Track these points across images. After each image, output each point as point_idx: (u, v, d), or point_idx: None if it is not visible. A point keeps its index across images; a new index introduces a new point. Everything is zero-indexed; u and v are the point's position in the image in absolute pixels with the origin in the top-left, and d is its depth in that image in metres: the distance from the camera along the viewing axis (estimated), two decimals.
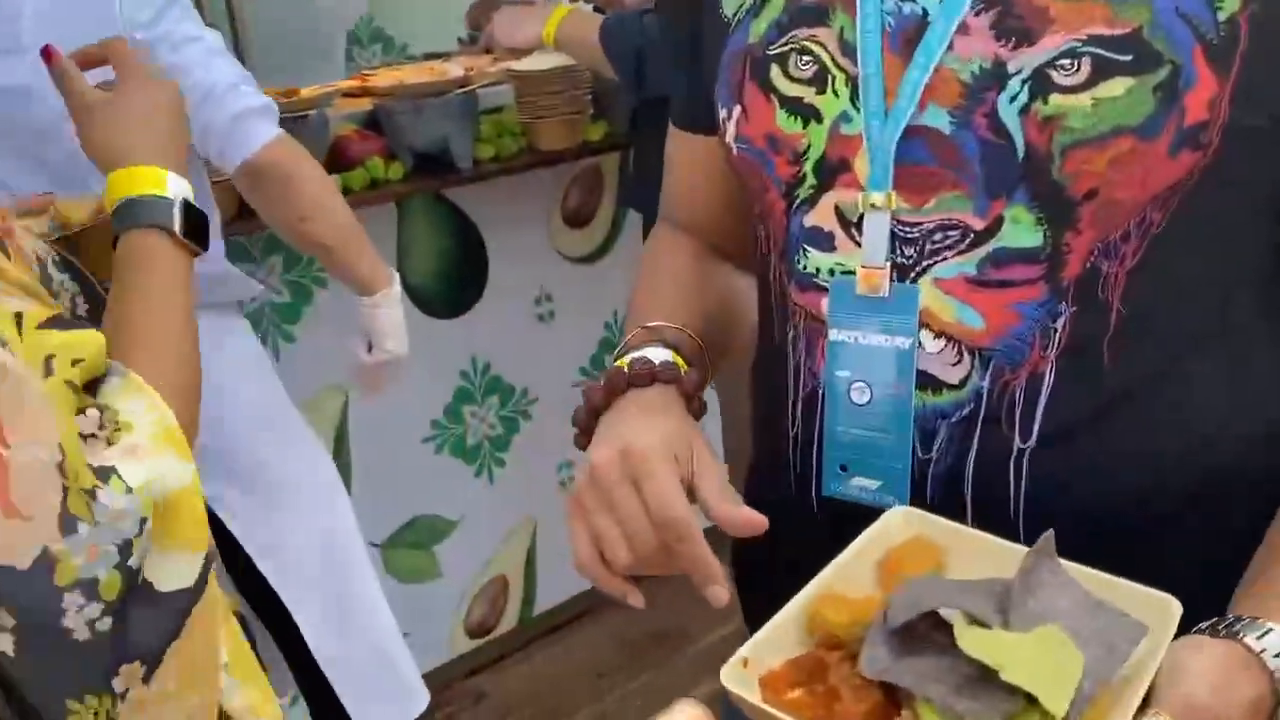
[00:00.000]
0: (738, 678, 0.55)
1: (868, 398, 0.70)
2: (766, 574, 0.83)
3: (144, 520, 0.71)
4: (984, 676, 0.52)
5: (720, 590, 0.67)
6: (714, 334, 0.83)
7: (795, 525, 0.74)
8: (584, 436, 0.75)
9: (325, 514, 1.67)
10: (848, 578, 0.61)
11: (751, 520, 0.66)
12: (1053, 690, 0.51)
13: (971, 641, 0.52)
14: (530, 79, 2.07)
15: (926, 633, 0.55)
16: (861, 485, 0.71)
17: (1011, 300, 0.65)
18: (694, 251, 0.89)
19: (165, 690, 0.73)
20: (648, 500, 0.66)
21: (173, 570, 0.74)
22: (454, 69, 2.23)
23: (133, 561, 0.70)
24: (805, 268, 0.72)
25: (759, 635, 0.57)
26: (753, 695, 0.54)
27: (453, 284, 2.24)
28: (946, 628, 0.54)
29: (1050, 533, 0.58)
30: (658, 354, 0.75)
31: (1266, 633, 0.57)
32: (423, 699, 1.73)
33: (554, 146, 2.14)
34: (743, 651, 0.56)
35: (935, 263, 0.67)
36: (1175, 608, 0.57)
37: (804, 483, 0.75)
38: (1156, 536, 0.67)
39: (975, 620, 0.54)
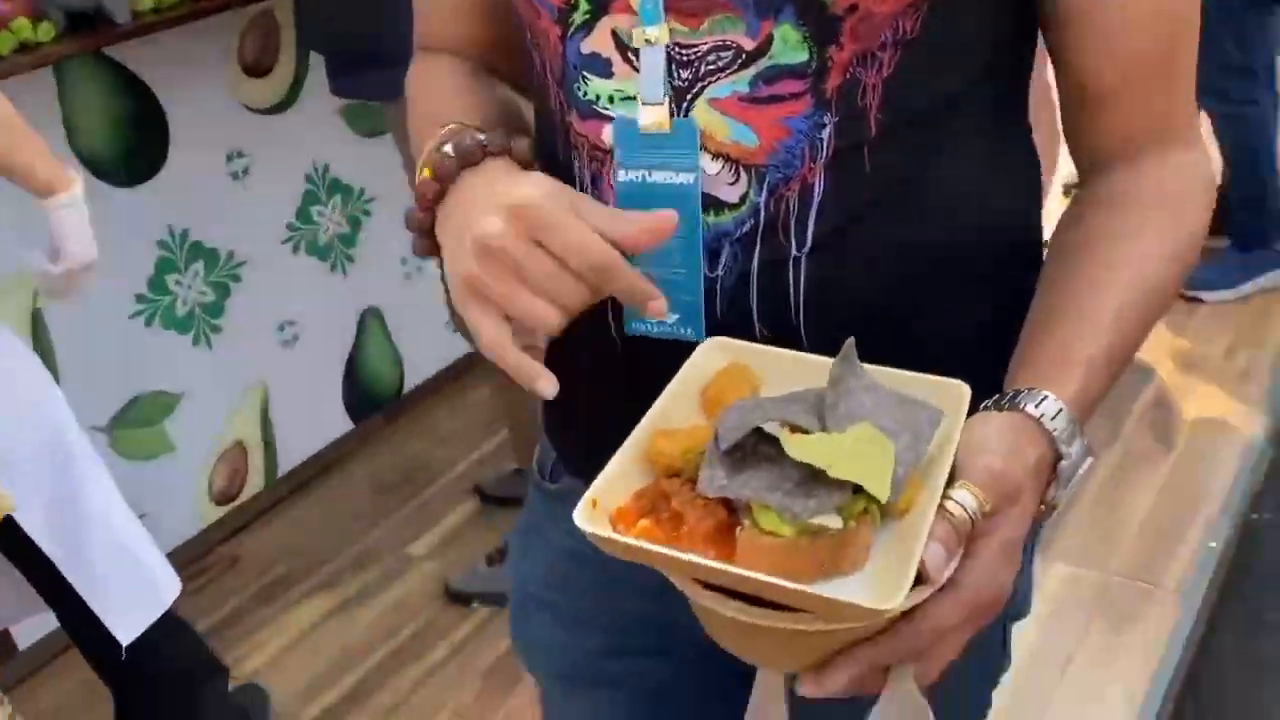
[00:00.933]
0: (590, 517, 0.55)
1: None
2: (573, 413, 0.81)
3: None
4: (813, 477, 0.54)
5: (660, 303, 0.64)
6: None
7: (596, 361, 0.73)
8: (425, 238, 0.70)
9: (36, 408, 1.60)
10: (673, 411, 0.61)
11: (659, 222, 0.63)
12: (874, 478, 0.53)
13: (798, 448, 0.54)
14: None
15: (755, 448, 0.56)
16: (660, 320, 0.70)
17: (781, 115, 0.66)
18: (465, 69, 0.83)
19: None
20: (563, 253, 0.61)
21: None
22: None
23: None
24: (585, 95, 0.70)
25: (603, 475, 0.58)
26: (606, 531, 0.55)
27: (132, 149, 2.11)
28: (772, 441, 0.56)
29: (851, 340, 0.60)
30: (473, 135, 0.69)
31: (1043, 400, 0.60)
32: (172, 589, 1.69)
33: None
34: (590, 493, 0.56)
35: (710, 83, 0.66)
36: (965, 391, 0.60)
37: (600, 320, 0.73)
38: (926, 323, 0.70)
39: (798, 429, 0.56)
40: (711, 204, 0.68)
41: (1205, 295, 2.96)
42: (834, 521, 0.53)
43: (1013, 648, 0.94)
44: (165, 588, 1.68)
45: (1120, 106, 0.69)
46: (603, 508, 0.57)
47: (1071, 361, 0.63)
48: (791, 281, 0.69)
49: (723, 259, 0.69)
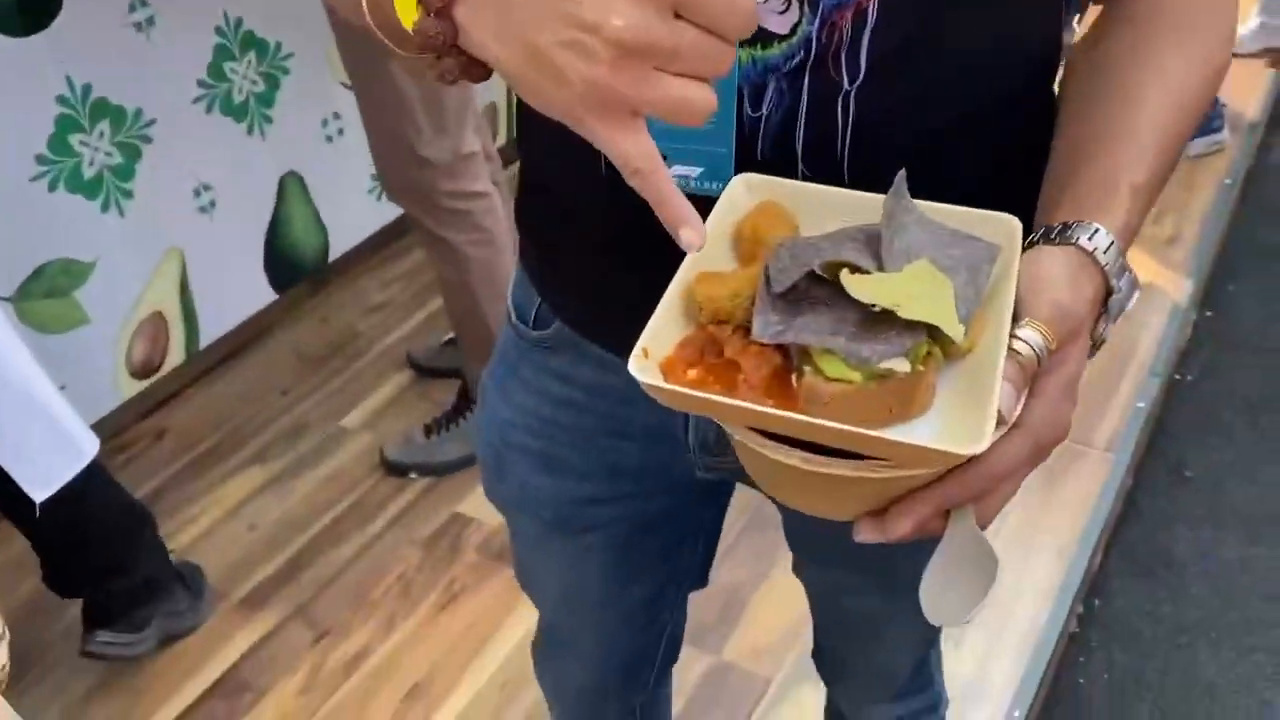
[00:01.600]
0: (642, 367, 0.53)
1: None
2: (574, 247, 0.78)
3: None
4: (875, 320, 0.52)
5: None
6: None
7: (603, 198, 0.67)
8: (444, 46, 0.51)
9: None
10: (708, 256, 0.58)
11: None
12: (945, 318, 0.51)
13: (861, 288, 0.52)
14: None
15: (807, 290, 0.54)
16: (681, 174, 0.66)
17: None
18: None
19: None
20: (712, 15, 0.48)
21: None
22: None
23: None
24: None
25: (651, 323, 0.55)
26: (667, 384, 0.53)
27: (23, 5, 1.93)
28: (825, 283, 0.54)
29: (903, 173, 0.57)
30: None
31: (1094, 232, 0.59)
32: (90, 446, 1.65)
33: None
34: (641, 342, 0.54)
35: None
36: (1017, 225, 0.59)
37: (610, 173, 0.62)
38: (972, 155, 0.68)
39: (855, 269, 0.53)
40: (758, 37, 0.62)
41: None
42: (902, 365, 0.51)
43: None
44: (84, 446, 1.64)
45: None
46: (652, 357, 0.54)
47: (1117, 190, 0.61)
48: (840, 117, 0.65)
49: (768, 96, 0.65)
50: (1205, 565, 1.99)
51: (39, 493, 1.58)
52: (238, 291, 2.50)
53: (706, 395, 0.52)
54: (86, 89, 2.08)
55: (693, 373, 0.54)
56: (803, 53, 0.63)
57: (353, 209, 2.68)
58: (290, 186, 2.54)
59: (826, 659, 1.15)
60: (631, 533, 0.94)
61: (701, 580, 1.07)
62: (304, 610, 1.91)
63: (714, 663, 1.76)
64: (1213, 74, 0.67)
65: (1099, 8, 0.72)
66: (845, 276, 0.52)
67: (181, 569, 1.90)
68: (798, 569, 1.03)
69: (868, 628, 1.03)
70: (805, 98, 0.65)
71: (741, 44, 0.60)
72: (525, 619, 1.82)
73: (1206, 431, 2.27)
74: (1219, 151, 2.99)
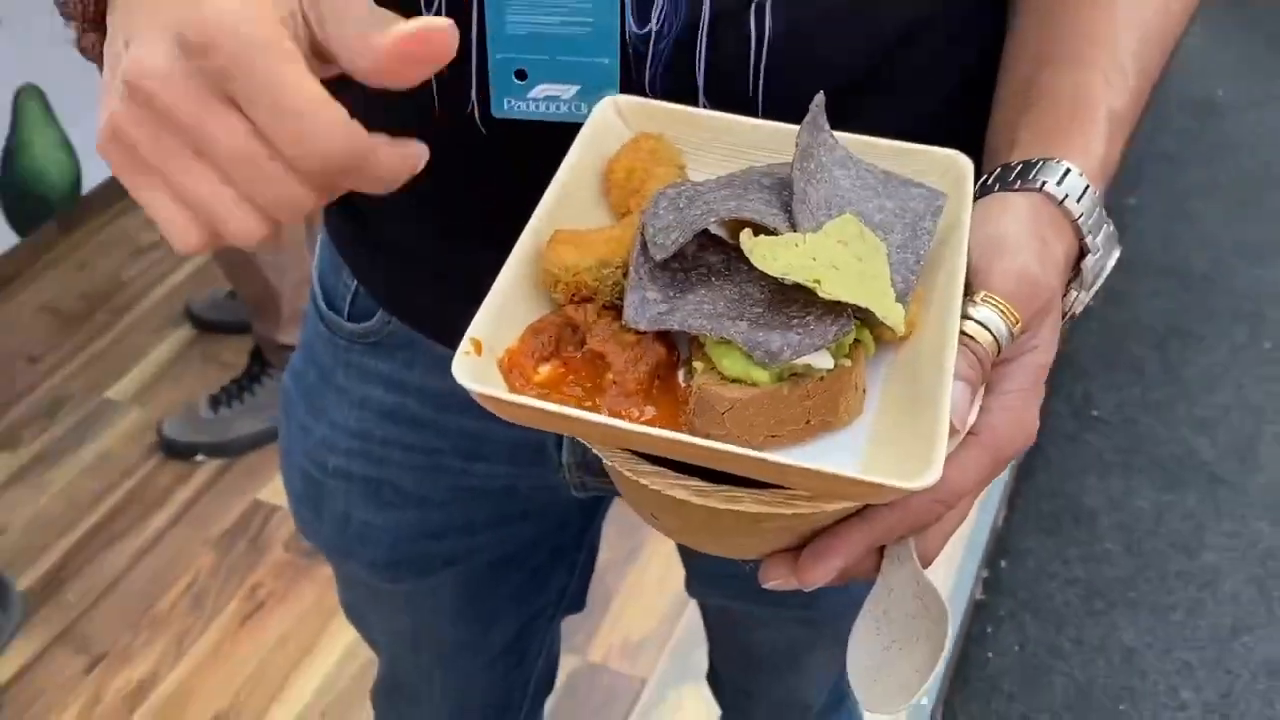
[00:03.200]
0: (471, 368, 0.47)
1: None
2: (409, 220, 0.74)
3: None
4: (787, 298, 0.48)
5: (410, 152, 0.48)
6: None
7: (451, 149, 0.60)
8: (90, 27, 0.53)
9: None
10: (569, 206, 0.54)
11: (431, 32, 0.45)
12: (878, 297, 0.47)
13: (769, 255, 0.47)
14: None
15: (698, 257, 0.51)
16: (550, 95, 0.63)
17: None
18: None
19: None
20: (264, 122, 0.43)
21: None
22: None
23: None
24: None
25: (486, 304, 0.49)
26: (498, 387, 0.48)
27: None
28: (721, 246, 0.51)
29: (820, 97, 0.53)
30: None
31: (1065, 174, 0.56)
32: None
33: None
34: (471, 332, 0.48)
35: None
36: (967, 165, 0.56)
37: (457, 98, 0.64)
38: (907, 72, 0.65)
39: (759, 229, 0.49)
40: None
41: None
42: (823, 361, 0.47)
43: None
44: None
45: None
46: (489, 350, 0.49)
47: (1093, 116, 0.58)
48: (754, 30, 0.61)
49: (659, 7, 0.60)
50: (1118, 517, 2.05)
51: None
52: None
53: (559, 409, 0.46)
54: None
55: (545, 370, 0.50)
56: None
57: None
58: (28, 103, 2.42)
59: (726, 689, 1.18)
60: (488, 568, 0.93)
61: (578, 604, 1.07)
62: (72, 631, 1.82)
63: (579, 665, 1.74)
64: None
65: None
66: (746, 240, 0.48)
67: None
68: (692, 590, 1.03)
69: (783, 659, 1.05)
70: (707, 6, 0.60)
71: None
72: (349, 629, 1.75)
73: (1114, 366, 2.35)
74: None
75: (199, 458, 2.07)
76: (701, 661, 1.19)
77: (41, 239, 2.50)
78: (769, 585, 0.54)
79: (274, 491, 2.00)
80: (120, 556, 1.91)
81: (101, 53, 0.50)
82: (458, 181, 0.66)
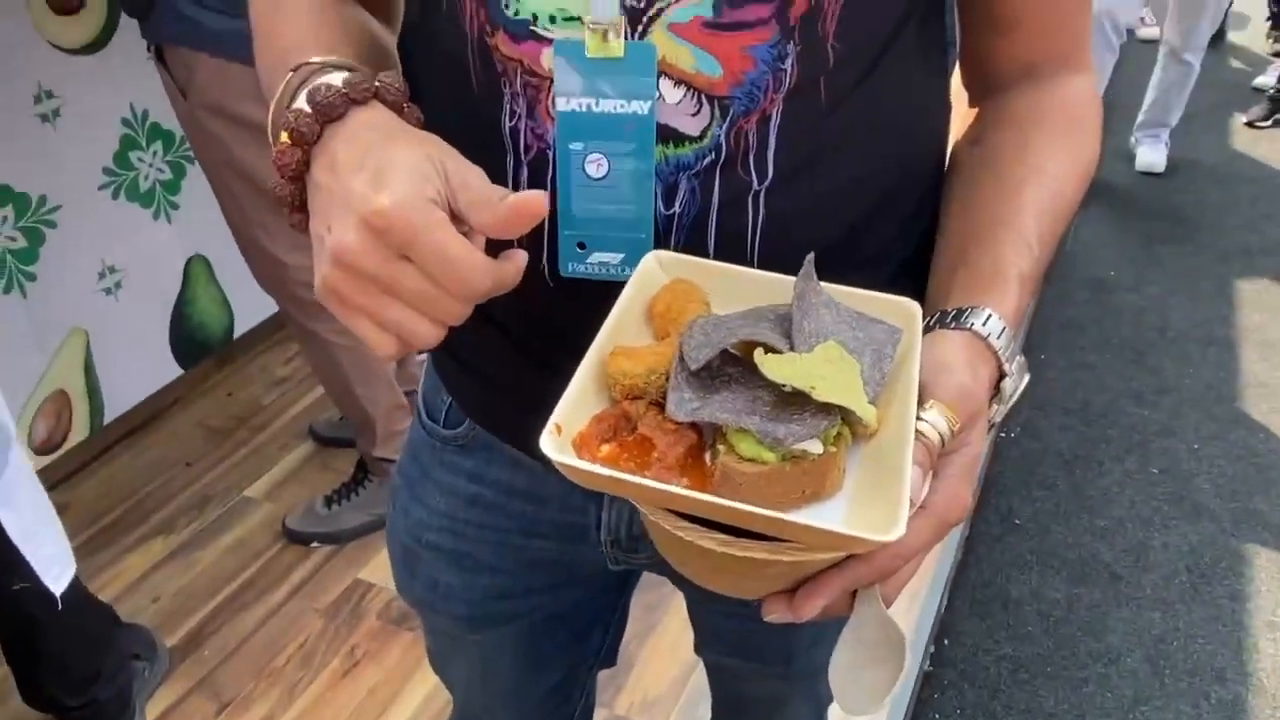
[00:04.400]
0: (554, 445, 0.48)
1: (605, 170, 0.61)
2: (492, 353, 0.73)
3: None
4: (788, 400, 0.49)
5: (515, 264, 0.53)
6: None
7: (524, 304, 0.61)
8: (297, 213, 0.56)
9: None
10: (623, 331, 0.55)
11: (531, 204, 0.51)
12: (856, 401, 0.49)
13: (775, 368, 0.49)
14: None
15: (721, 368, 0.52)
16: (602, 261, 0.63)
17: (746, 44, 0.59)
18: None
19: None
20: (443, 276, 0.49)
21: None
22: None
23: None
24: (517, 13, 0.59)
25: (564, 399, 0.50)
26: (577, 460, 0.48)
27: None
28: (738, 361, 0.51)
29: (811, 256, 0.55)
30: (335, 77, 0.55)
31: (988, 318, 0.56)
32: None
33: None
34: (554, 418, 0.49)
35: (671, 5, 0.57)
36: (917, 309, 0.57)
37: (534, 256, 0.63)
38: (873, 248, 0.66)
39: (768, 348, 0.50)
40: (670, 136, 0.59)
41: None
42: (816, 447, 0.49)
43: None
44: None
45: (1026, 31, 0.67)
46: (565, 433, 0.50)
47: (1007, 278, 0.59)
48: (750, 215, 0.62)
49: (680, 195, 0.61)
50: (1038, 605, 2.01)
51: (58, 585, 1.44)
52: (143, 369, 2.36)
53: (620, 475, 0.47)
54: None
55: (606, 449, 0.50)
56: (713, 154, 0.60)
57: (257, 289, 2.54)
58: (196, 268, 2.43)
59: None
60: (543, 624, 0.91)
61: (611, 660, 1.03)
62: (207, 681, 1.77)
63: (608, 717, 1.68)
64: (1084, 174, 0.66)
65: (974, 110, 0.71)
66: (759, 356, 0.49)
67: (133, 640, 1.74)
68: (700, 651, 1.00)
69: (766, 709, 1.02)
70: (716, 197, 0.61)
71: (658, 141, 0.59)
72: (426, 681, 1.73)
73: (1031, 485, 2.31)
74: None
75: (314, 545, 2.04)
76: (706, 714, 1.16)
77: (200, 372, 2.49)
78: (770, 618, 0.53)
79: (370, 572, 1.97)
80: (248, 621, 1.87)
81: (306, 228, 0.55)
82: (530, 322, 0.66)
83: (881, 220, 0.66)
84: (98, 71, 2.09)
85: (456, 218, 0.50)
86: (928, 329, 0.57)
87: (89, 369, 2.21)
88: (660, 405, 0.51)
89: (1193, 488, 2.28)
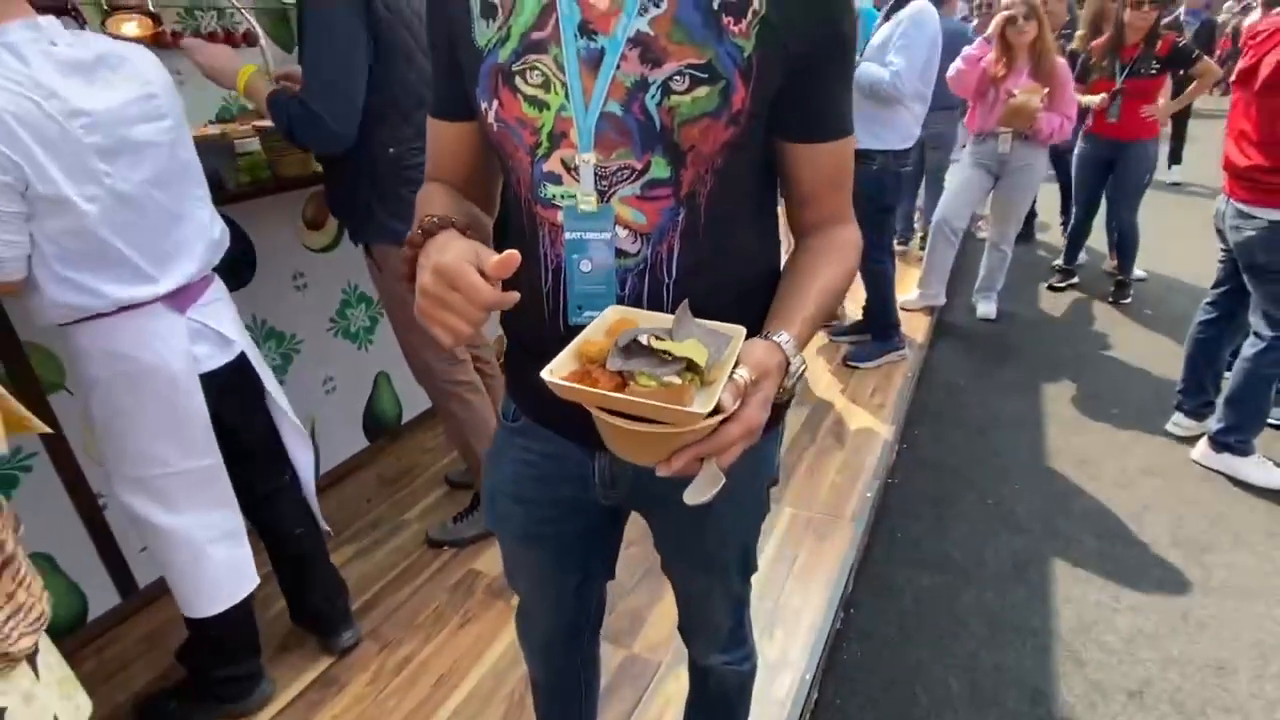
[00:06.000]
0: (549, 377, 0.56)
1: (589, 268, 0.67)
2: (533, 375, 0.70)
3: None
4: (665, 360, 0.55)
5: (510, 296, 0.61)
6: (470, 227, 0.73)
7: (548, 342, 0.68)
8: (408, 280, 0.66)
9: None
10: (592, 336, 0.61)
11: (507, 261, 0.59)
12: (700, 359, 0.56)
13: (658, 343, 0.56)
14: (270, 132, 1.88)
15: (634, 348, 0.57)
16: (589, 315, 0.68)
17: (658, 207, 0.65)
18: (451, 193, 0.80)
19: None
20: (467, 294, 0.59)
21: None
22: (213, 129, 1.98)
23: None
24: (547, 196, 0.68)
25: (556, 359, 0.58)
26: (560, 382, 0.56)
27: (231, 271, 2.01)
28: (642, 346, 0.57)
29: (685, 301, 0.63)
30: (433, 219, 0.68)
31: (780, 334, 0.63)
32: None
33: (290, 174, 1.93)
34: (550, 366, 0.57)
35: (619, 187, 0.65)
36: (742, 330, 0.63)
37: (554, 317, 0.71)
38: (730, 311, 0.67)
39: (659, 339, 0.57)
40: (621, 254, 0.68)
41: (859, 364, 3.08)
42: (676, 380, 0.56)
43: (760, 559, 0.96)
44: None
45: (815, 205, 0.73)
46: (556, 374, 0.57)
47: (796, 318, 0.67)
48: (666, 296, 0.70)
49: (628, 284, 0.69)
50: (911, 590, 1.97)
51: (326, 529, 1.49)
52: (345, 440, 2.44)
53: (581, 388, 0.55)
54: (264, 322, 2.11)
55: (572, 384, 0.57)
56: (644, 264, 0.68)
57: (417, 393, 2.62)
58: (381, 379, 2.52)
59: (683, 626, 1.09)
60: (567, 541, 0.91)
61: (610, 574, 1.01)
62: (375, 631, 1.80)
63: (626, 654, 1.69)
64: (844, 275, 0.72)
65: (794, 241, 0.77)
66: (651, 340, 0.58)
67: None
68: (663, 566, 0.98)
69: (701, 600, 0.99)
70: (647, 285, 0.69)
71: (615, 255, 0.67)
72: (508, 635, 1.75)
73: (909, 515, 2.28)
74: (902, 360, 3.10)
75: (446, 548, 2.05)
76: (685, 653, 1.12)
77: (379, 444, 2.54)
78: (659, 473, 0.58)
79: (480, 564, 1.98)
80: (402, 595, 1.89)
81: (412, 288, 0.64)
82: (552, 352, 0.66)
83: (742, 297, 0.72)
84: (330, 262, 2.28)
85: (482, 274, 0.60)
86: (749, 338, 0.64)
87: (314, 440, 2.31)
88: (604, 366, 0.58)
89: (1014, 513, 2.27)
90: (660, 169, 0.65)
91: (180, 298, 1.25)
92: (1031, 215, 4.69)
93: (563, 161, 0.67)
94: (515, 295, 0.61)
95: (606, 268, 0.67)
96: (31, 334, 1.58)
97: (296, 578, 1.59)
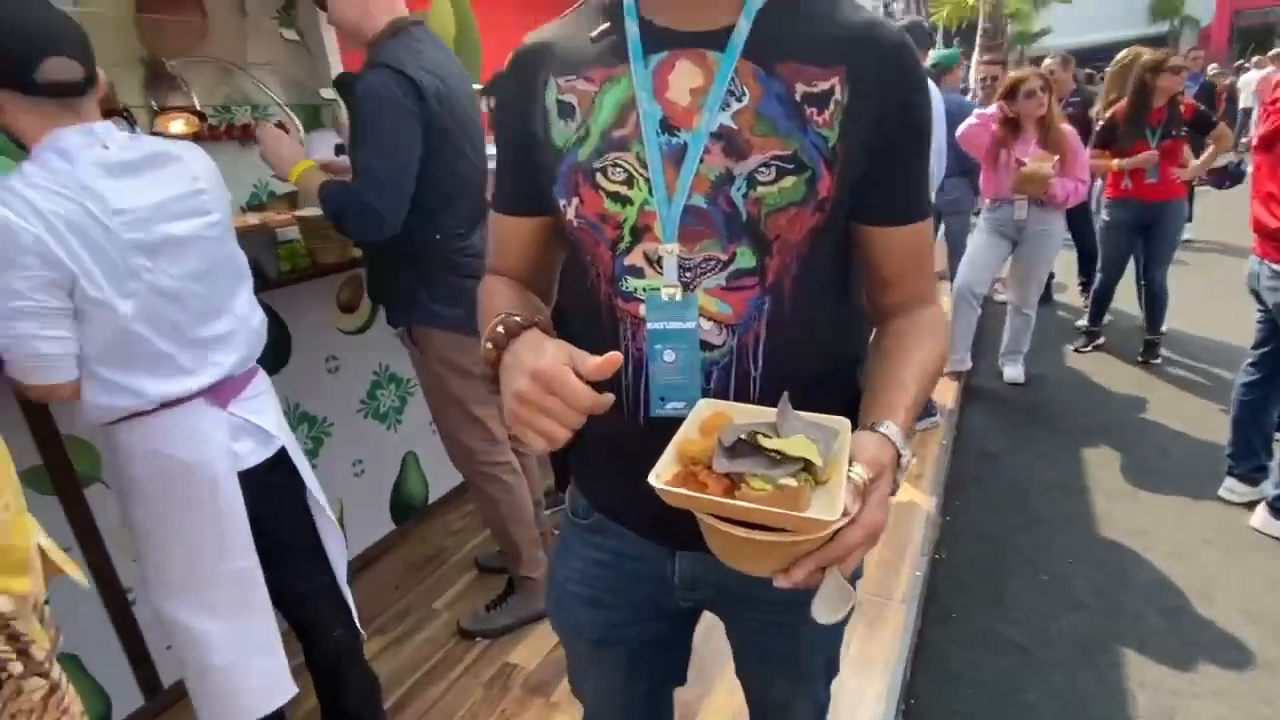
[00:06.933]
0: (658, 483, 0.55)
1: (674, 358, 0.67)
2: (608, 470, 0.75)
3: None
4: (776, 461, 0.55)
5: (607, 398, 0.61)
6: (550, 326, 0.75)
7: (627, 436, 0.69)
8: (493, 383, 0.67)
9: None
10: (689, 434, 0.60)
11: (609, 362, 0.60)
12: (814, 458, 0.55)
13: (768, 442, 0.55)
14: (309, 220, 1.93)
15: (739, 447, 0.56)
16: (674, 407, 0.68)
17: (744, 297, 0.66)
18: (513, 285, 0.81)
19: None
20: (567, 399, 0.59)
21: None
22: (252, 218, 2.04)
23: None
24: (628, 289, 0.68)
25: (660, 463, 0.57)
26: (673, 489, 0.55)
27: (267, 356, 2.03)
28: (748, 444, 0.56)
29: (786, 394, 0.61)
30: (516, 317, 0.68)
31: (887, 425, 0.62)
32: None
33: (329, 261, 1.99)
34: (656, 470, 0.56)
35: (703, 278, 0.66)
36: (847, 423, 0.62)
37: (635, 410, 0.71)
38: (820, 398, 0.68)
39: (767, 436, 0.56)
40: (705, 346, 0.68)
41: None
42: (792, 482, 0.55)
43: None
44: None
45: (897, 288, 0.73)
46: (661, 479, 0.57)
47: (899, 406, 0.66)
48: (753, 387, 0.69)
49: (714, 376, 0.69)
50: (978, 675, 1.89)
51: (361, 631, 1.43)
52: (371, 524, 2.41)
53: (694, 494, 0.54)
54: (297, 405, 2.13)
55: (683, 487, 0.56)
56: (729, 356, 0.68)
57: (445, 472, 2.64)
58: (409, 460, 2.52)
59: None
60: (640, 647, 0.89)
61: (682, 679, 0.98)
62: None
63: None
64: (938, 357, 0.72)
65: (875, 329, 0.78)
66: (761, 439, 0.56)
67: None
68: (738, 671, 0.95)
69: (779, 709, 0.94)
70: (734, 377, 0.69)
71: (701, 348, 0.66)
72: None
73: (961, 592, 2.21)
74: (935, 427, 3.07)
75: (477, 640, 1.99)
76: None
77: (406, 525, 2.51)
78: (777, 584, 0.57)
79: (517, 656, 1.91)
80: (435, 691, 1.83)
81: (498, 392, 0.64)
82: (631, 448, 0.67)
83: (827, 385, 0.72)
84: (362, 343, 2.30)
85: (578, 375, 0.60)
86: (856, 431, 0.63)
87: (342, 524, 2.27)
88: (709, 468, 0.57)
89: (1072, 588, 2.18)
90: (746, 259, 0.66)
91: (221, 392, 1.25)
92: (1049, 276, 4.72)
93: (645, 254, 0.68)
94: (611, 397, 0.61)
95: (691, 359, 0.67)
96: (70, 426, 1.58)
97: (331, 679, 1.53)
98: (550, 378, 0.59)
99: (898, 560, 2.24)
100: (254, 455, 1.30)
